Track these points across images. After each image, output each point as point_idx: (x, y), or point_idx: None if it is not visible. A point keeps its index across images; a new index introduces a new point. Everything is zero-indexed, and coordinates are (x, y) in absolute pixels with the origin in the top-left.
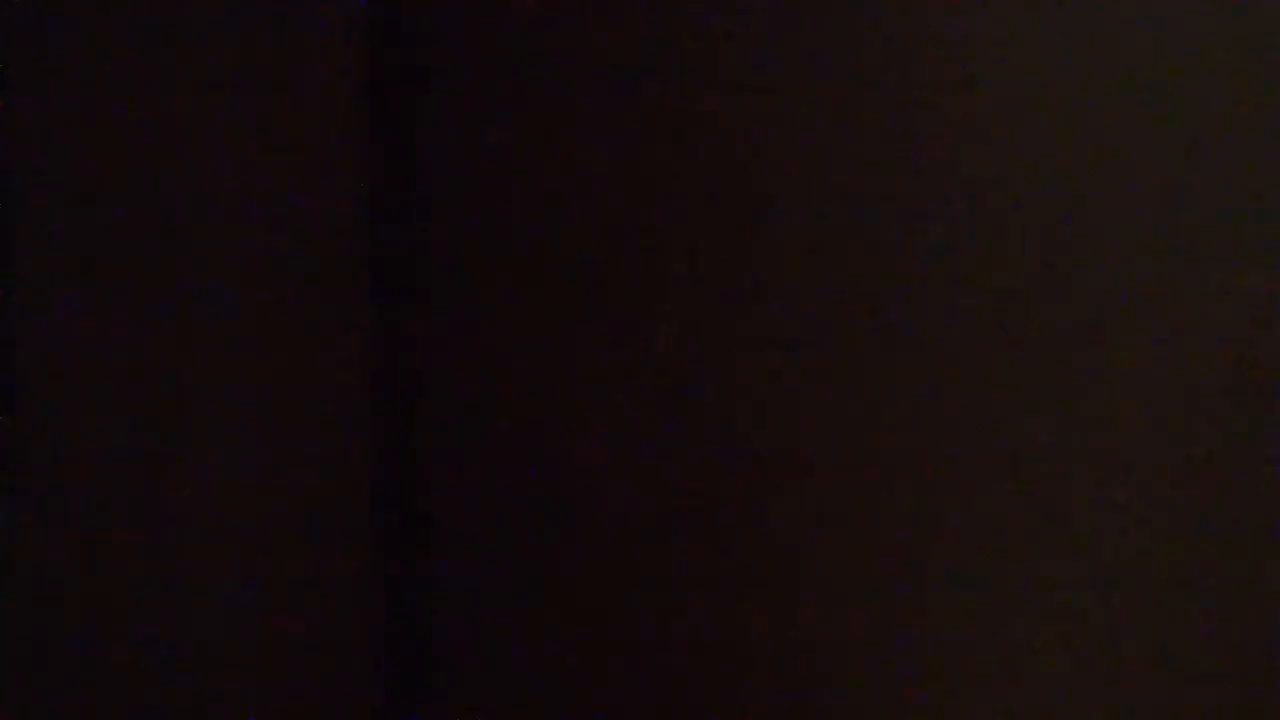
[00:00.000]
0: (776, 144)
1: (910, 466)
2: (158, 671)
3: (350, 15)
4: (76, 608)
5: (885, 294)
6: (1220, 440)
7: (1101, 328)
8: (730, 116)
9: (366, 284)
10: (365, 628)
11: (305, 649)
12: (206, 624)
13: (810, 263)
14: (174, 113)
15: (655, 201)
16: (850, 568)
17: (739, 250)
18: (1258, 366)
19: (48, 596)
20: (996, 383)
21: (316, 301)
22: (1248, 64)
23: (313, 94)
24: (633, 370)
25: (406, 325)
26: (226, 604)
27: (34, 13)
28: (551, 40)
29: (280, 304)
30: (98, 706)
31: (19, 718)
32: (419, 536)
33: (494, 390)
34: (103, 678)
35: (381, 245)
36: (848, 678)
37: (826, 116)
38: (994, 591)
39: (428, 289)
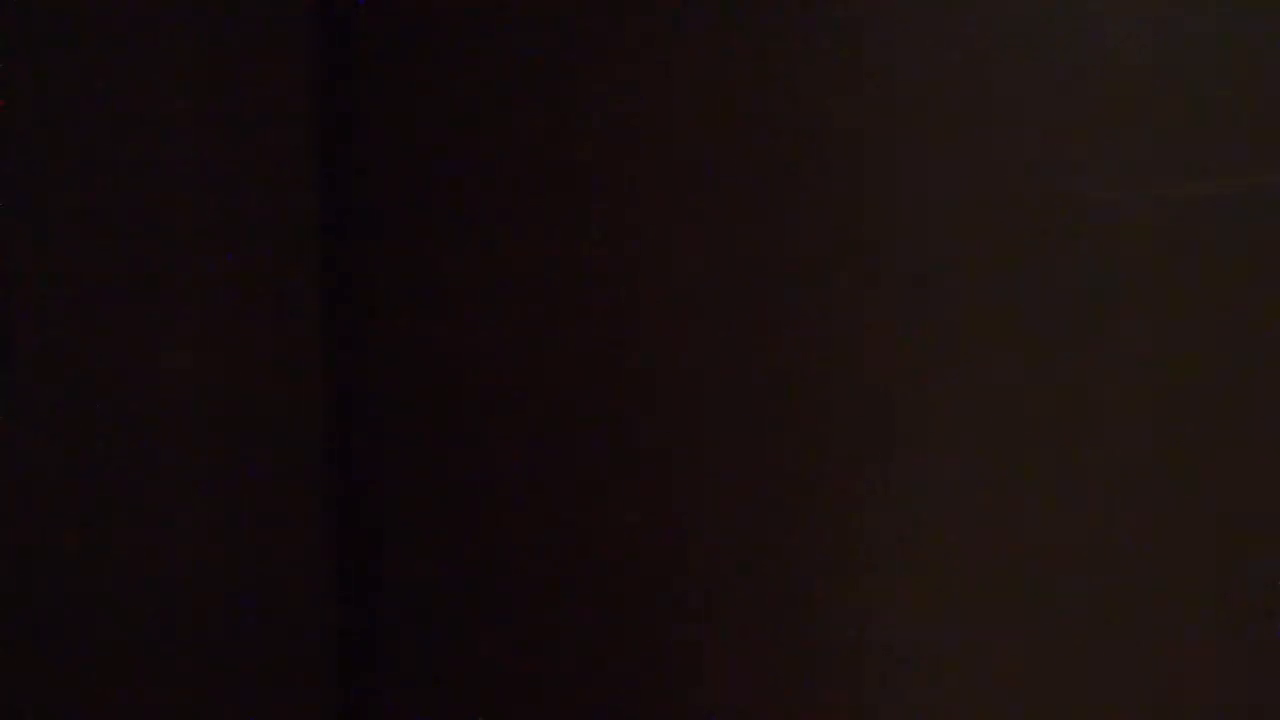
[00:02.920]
0: (758, 143)
1: (903, 466)
2: (107, 668)
3: (299, 16)
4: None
5: (866, 289)
6: (1220, 440)
7: (1096, 327)
8: (696, 120)
9: (320, 285)
10: (319, 627)
11: (259, 649)
12: (157, 619)
13: (789, 261)
14: (119, 112)
15: (617, 203)
16: (834, 571)
17: (718, 251)
18: (1259, 366)
19: None
20: (991, 382)
21: (270, 302)
22: (1248, 62)
23: (262, 95)
24: (587, 375)
25: (358, 326)
26: (175, 600)
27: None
28: (505, 39)
29: (235, 302)
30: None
31: None
32: (371, 538)
33: (447, 391)
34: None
35: (332, 249)
36: (824, 682)
37: (793, 111)
38: (988, 596)
39: (381, 291)
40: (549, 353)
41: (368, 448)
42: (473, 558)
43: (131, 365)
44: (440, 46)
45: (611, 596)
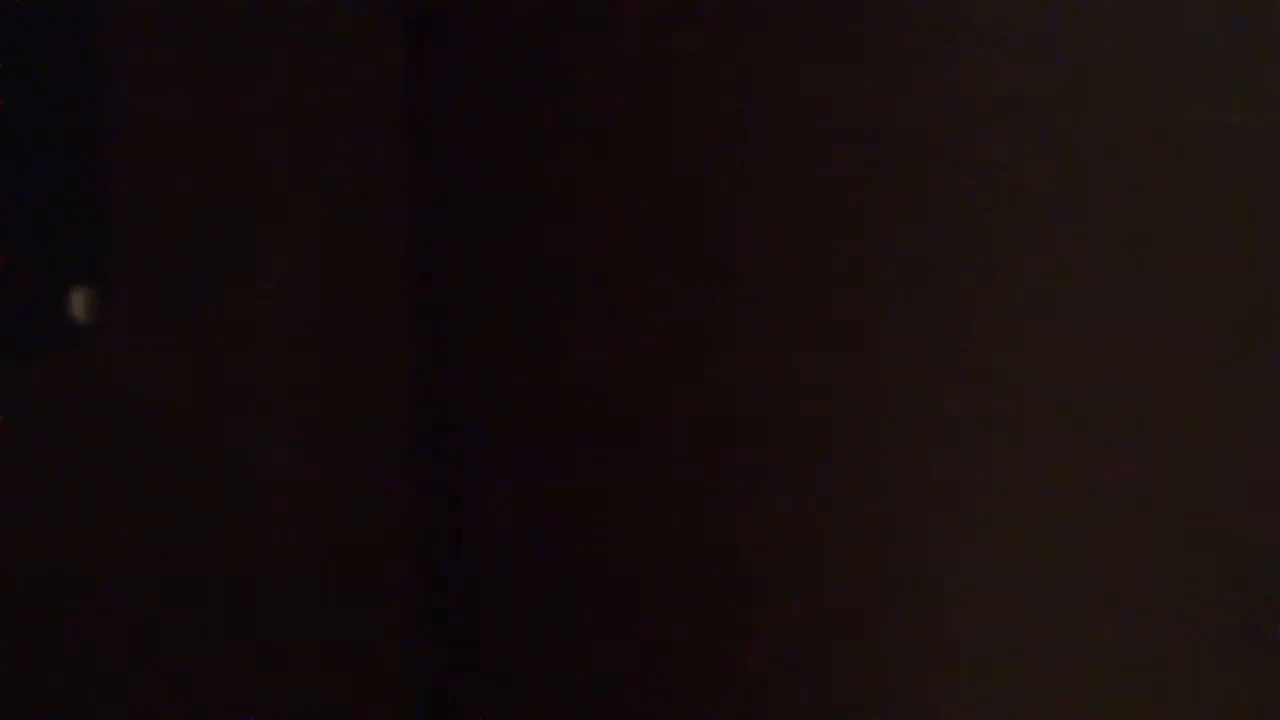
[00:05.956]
0: (819, 150)
1: (906, 465)
2: (154, 667)
3: (392, 22)
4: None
5: (883, 288)
6: (1220, 439)
7: (1098, 326)
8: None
9: (409, 288)
10: (401, 629)
11: (341, 650)
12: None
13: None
14: (213, 115)
15: (698, 208)
16: (855, 573)
17: (810, 256)
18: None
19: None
20: (994, 381)
21: (360, 302)
22: (1248, 65)
23: (356, 96)
24: (673, 379)
25: (445, 329)
26: (260, 605)
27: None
28: (586, 47)
29: (324, 305)
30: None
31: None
32: (456, 539)
33: (532, 393)
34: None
35: (423, 253)
36: (862, 683)
37: (845, 115)
38: (988, 594)
39: (467, 294)
40: (637, 354)
41: (454, 454)
42: (563, 564)
43: (224, 356)
44: (542, 48)
45: (722, 605)
